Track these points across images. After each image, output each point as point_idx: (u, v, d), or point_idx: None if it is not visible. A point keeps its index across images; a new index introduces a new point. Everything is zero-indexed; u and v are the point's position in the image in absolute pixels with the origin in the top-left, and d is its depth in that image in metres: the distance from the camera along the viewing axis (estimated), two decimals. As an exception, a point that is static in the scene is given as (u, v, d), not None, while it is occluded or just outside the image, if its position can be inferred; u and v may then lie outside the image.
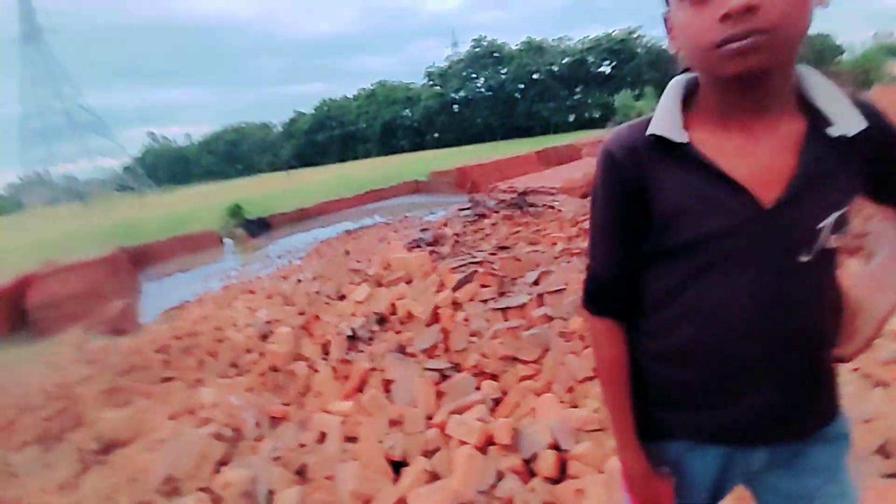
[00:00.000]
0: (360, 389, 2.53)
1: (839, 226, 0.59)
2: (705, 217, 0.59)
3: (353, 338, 2.92)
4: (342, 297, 3.97)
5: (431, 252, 5.19)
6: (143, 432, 2.82)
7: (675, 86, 0.65)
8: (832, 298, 0.64)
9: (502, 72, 52.35)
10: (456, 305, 2.84)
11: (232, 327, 4.58)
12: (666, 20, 0.62)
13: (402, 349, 2.70)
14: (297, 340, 3.22)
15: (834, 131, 0.58)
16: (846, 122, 0.58)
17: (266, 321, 4.40)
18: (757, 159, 0.59)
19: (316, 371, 2.86)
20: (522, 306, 2.66)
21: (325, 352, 3.04)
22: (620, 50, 45.35)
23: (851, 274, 0.70)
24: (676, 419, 0.69)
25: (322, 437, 2.30)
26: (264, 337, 4.06)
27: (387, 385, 2.48)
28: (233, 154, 74.78)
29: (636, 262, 0.67)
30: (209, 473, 2.27)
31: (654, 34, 45.74)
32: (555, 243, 4.73)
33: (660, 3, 0.63)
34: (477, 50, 53.75)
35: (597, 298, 0.71)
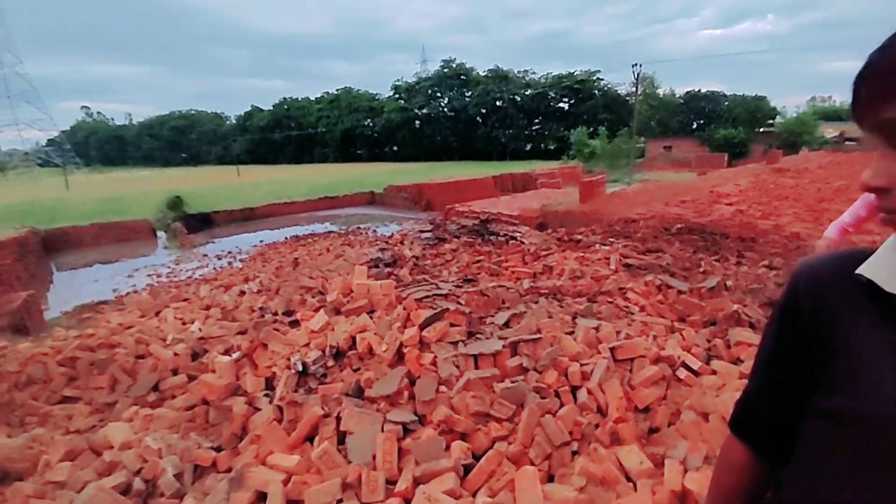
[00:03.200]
0: (308, 438, 2.20)
1: None
2: None
3: (303, 373, 2.57)
4: (292, 318, 3.58)
5: (389, 274, 4.92)
6: (36, 466, 2.29)
7: None
8: None
9: (467, 95, 53.60)
10: (423, 345, 2.59)
11: (158, 341, 4.00)
12: None
13: (360, 392, 2.40)
14: (237, 369, 2.80)
15: None
16: None
17: (200, 337, 3.90)
18: None
19: (257, 409, 2.47)
20: (495, 354, 2.46)
21: (269, 386, 2.66)
22: (579, 89, 48.02)
23: None
24: None
25: (258, 498, 1.93)
26: (196, 356, 3.57)
27: (341, 435, 2.16)
28: (178, 141, 70.11)
29: (799, 404, 0.54)
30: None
31: (610, 79, 48.98)
32: (519, 278, 4.63)
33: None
34: (445, 70, 54.71)
35: (739, 417, 0.65)
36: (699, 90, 42.96)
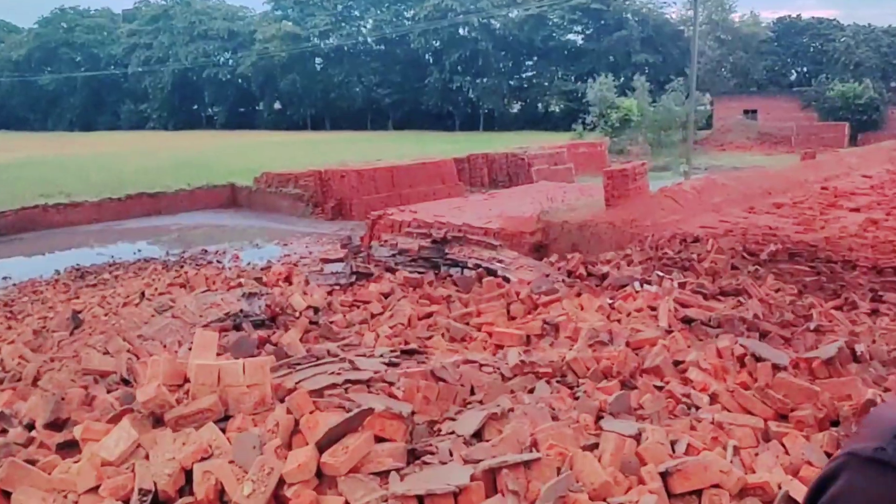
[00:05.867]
0: None
1: None
2: None
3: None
4: (64, 438, 3.42)
5: (263, 343, 4.83)
6: None
7: None
8: None
9: (407, 15, 54.70)
10: (322, 482, 2.55)
11: None
12: None
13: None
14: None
15: None
16: None
17: None
18: None
19: None
20: (457, 493, 2.46)
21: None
22: (601, 12, 50.31)
23: None
24: None
25: None
26: None
27: None
28: None
29: None
30: None
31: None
32: (501, 345, 4.69)
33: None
34: (364, -30, 55.83)
35: None
36: (798, 15, 46.39)
